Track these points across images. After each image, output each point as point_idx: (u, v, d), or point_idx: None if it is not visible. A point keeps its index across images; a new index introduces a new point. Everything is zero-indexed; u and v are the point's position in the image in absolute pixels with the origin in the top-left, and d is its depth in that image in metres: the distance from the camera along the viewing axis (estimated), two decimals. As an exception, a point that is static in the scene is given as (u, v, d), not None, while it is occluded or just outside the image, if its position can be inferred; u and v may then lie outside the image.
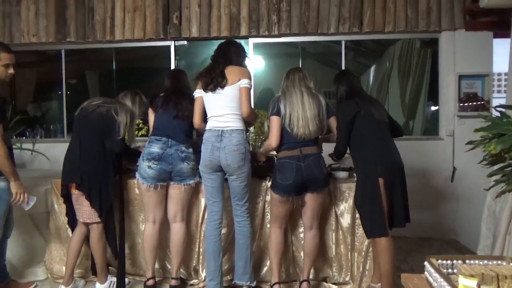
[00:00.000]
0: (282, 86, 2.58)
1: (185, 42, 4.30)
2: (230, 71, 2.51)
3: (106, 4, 4.14)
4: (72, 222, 2.80)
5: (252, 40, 4.23)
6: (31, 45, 4.17)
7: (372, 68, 4.91)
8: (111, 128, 2.65)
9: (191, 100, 2.70)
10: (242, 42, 4.17)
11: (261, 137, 3.31)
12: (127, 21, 4.14)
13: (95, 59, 4.71)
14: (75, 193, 2.65)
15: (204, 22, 4.12)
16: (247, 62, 2.69)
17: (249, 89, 2.50)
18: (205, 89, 2.52)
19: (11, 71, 2.54)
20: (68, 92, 4.38)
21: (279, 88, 2.64)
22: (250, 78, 2.52)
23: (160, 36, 4.13)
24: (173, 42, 4.25)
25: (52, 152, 4.00)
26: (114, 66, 4.43)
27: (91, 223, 2.66)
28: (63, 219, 2.91)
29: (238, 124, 2.49)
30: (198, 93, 2.60)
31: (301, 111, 2.44)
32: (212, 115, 2.53)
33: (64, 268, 2.90)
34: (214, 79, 2.50)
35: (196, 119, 2.60)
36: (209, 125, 2.54)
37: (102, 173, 2.64)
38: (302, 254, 2.73)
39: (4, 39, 4.11)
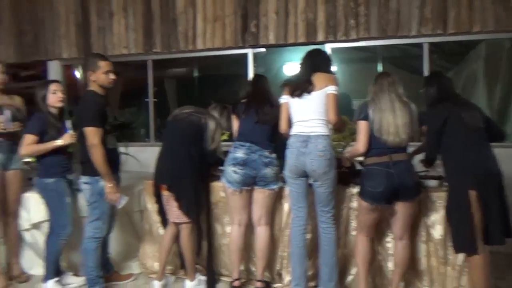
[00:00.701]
0: (371, 92, 2.55)
1: (263, 49, 4.40)
2: (318, 78, 2.54)
3: (188, 16, 4.37)
4: (164, 221, 2.99)
5: (329, 46, 4.23)
6: (122, 56, 4.51)
7: (454, 71, 4.67)
8: (200, 136, 2.80)
9: (272, 104, 2.77)
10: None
11: (342, 142, 3.29)
12: (208, 31, 4.34)
13: (176, 68, 5.00)
14: (165, 194, 2.82)
15: (281, 29, 4.20)
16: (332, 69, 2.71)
17: (336, 95, 2.51)
18: (292, 94, 2.57)
19: (112, 77, 2.78)
20: (155, 100, 4.69)
21: (356, 94, 2.62)
22: (337, 85, 2.53)
23: (239, 44, 4.27)
24: (251, 49, 4.37)
25: (141, 155, 4.29)
26: (195, 74, 4.66)
27: (181, 223, 2.82)
28: (155, 218, 3.12)
29: (324, 130, 2.50)
30: (284, 99, 2.65)
31: (392, 118, 2.39)
32: (298, 119, 2.57)
33: (155, 263, 3.12)
34: (301, 85, 2.55)
35: (283, 125, 2.66)
36: (294, 130, 2.58)
37: (190, 177, 2.79)
38: (389, 264, 2.68)
39: (99, 51, 4.50)
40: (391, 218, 2.53)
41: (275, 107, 2.74)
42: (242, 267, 2.92)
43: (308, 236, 2.75)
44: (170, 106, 6.44)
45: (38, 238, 3.18)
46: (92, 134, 2.60)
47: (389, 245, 2.68)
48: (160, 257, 2.94)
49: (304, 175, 2.55)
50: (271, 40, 4.22)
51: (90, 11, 4.56)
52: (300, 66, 2.65)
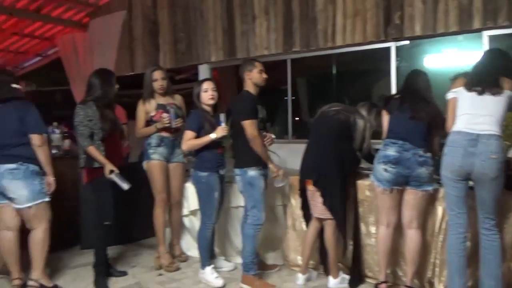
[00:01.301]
0: None
1: (408, 42, 4.15)
2: (502, 80, 2.32)
3: (328, 13, 4.35)
4: (306, 215, 3.06)
5: (486, 33, 3.77)
6: (263, 57, 4.72)
7: None
8: (349, 134, 2.79)
9: (428, 101, 2.60)
10: (473, 36, 3.84)
11: (506, 142, 2.91)
12: (348, 27, 4.26)
13: (314, 65, 5.04)
14: (310, 189, 2.88)
15: (429, 19, 3.88)
16: None
17: None
18: (469, 88, 2.37)
19: (264, 76, 2.97)
20: (294, 98, 4.82)
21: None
22: None
23: (381, 38, 4.10)
24: (393, 43, 4.16)
25: (279, 152, 4.44)
26: (334, 71, 4.63)
27: (325, 219, 2.84)
28: (298, 212, 3.20)
29: (496, 129, 2.25)
30: (453, 93, 2.46)
31: None
32: (465, 114, 2.35)
33: (298, 257, 3.21)
34: (485, 83, 2.33)
35: (449, 123, 2.46)
36: (459, 127, 2.36)
37: (336, 173, 2.80)
38: None
39: (242, 53, 4.82)
40: None
41: (431, 104, 2.57)
42: (388, 270, 2.81)
43: (468, 244, 2.50)
44: (301, 104, 6.56)
45: (195, 223, 3.55)
46: (251, 127, 2.80)
47: None
48: (303, 251, 3.02)
49: (467, 177, 2.33)
50: (417, 31, 3.93)
51: (235, 16, 4.89)
52: (480, 64, 2.46)
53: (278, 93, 5.88)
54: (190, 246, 3.70)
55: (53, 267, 3.44)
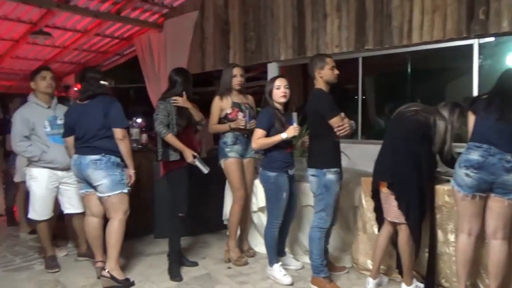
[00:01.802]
0: None
1: (492, 39, 3.86)
2: None
3: (404, 9, 4.18)
4: (379, 218, 2.97)
5: None
6: (333, 55, 4.63)
7: None
8: (427, 136, 2.67)
9: None
10: None
11: None
12: (426, 23, 4.06)
13: (384, 63, 4.87)
14: (384, 191, 2.78)
15: (519, 14, 3.59)
16: None
17: None
18: None
19: (336, 72, 2.92)
20: (364, 97, 4.70)
21: None
22: None
23: (463, 35, 3.85)
24: (477, 40, 3.90)
25: (348, 153, 4.35)
26: (409, 69, 4.45)
27: (399, 223, 2.74)
28: (370, 214, 3.13)
29: None
30: None
31: None
32: None
33: (368, 261, 3.13)
34: None
35: None
36: None
37: (413, 176, 2.68)
38: None
39: (312, 52, 4.78)
40: None
41: None
42: (468, 282, 2.65)
43: None
44: (369, 103, 6.37)
45: (262, 220, 3.60)
46: (340, 123, 2.77)
47: None
48: (374, 255, 2.94)
49: None
50: (505, 27, 3.65)
51: (306, 14, 4.87)
52: None
53: (344, 92, 5.77)
54: (257, 242, 3.76)
55: (128, 254, 3.67)
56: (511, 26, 3.62)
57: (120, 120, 3.07)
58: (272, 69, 5.25)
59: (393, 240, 2.89)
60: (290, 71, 5.77)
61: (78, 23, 5.96)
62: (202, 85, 6.92)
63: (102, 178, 2.99)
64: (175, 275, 3.21)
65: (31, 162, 3.37)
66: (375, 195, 2.92)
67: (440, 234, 2.84)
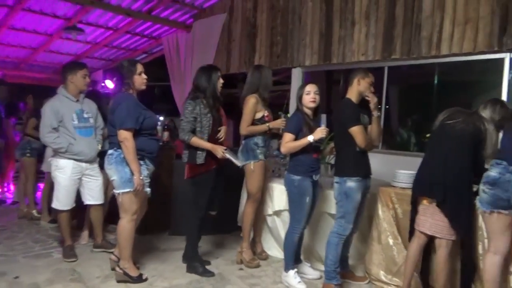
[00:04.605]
0: None
1: (525, 54, 3.75)
2: None
3: (435, 19, 4.11)
4: (412, 231, 2.81)
5: None
6: (359, 63, 4.62)
7: None
8: (478, 144, 2.54)
9: None
10: None
11: None
12: (456, 35, 3.98)
13: (409, 73, 4.79)
14: (425, 203, 2.65)
15: (555, 29, 3.48)
16: None
17: None
18: None
19: (372, 90, 2.96)
20: (387, 106, 4.64)
21: None
22: None
23: (494, 48, 3.76)
24: (508, 54, 3.79)
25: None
26: (436, 81, 4.36)
27: (440, 238, 2.59)
28: (385, 225, 3.08)
29: None
30: None
31: None
32: None
33: (381, 272, 3.08)
34: None
35: None
36: None
37: (467, 194, 2.56)
38: None
39: (338, 59, 4.77)
40: None
41: None
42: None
43: None
44: (391, 113, 6.28)
45: (277, 224, 3.60)
46: (360, 134, 2.76)
47: None
48: (405, 270, 2.80)
49: None
50: (539, 42, 3.55)
51: (333, 21, 4.85)
52: None
53: (367, 100, 5.69)
54: (270, 246, 3.75)
55: (143, 249, 3.73)
56: (546, 41, 3.52)
57: (120, 120, 2.86)
58: (296, 74, 5.25)
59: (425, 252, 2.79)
60: (314, 77, 5.75)
61: (110, 20, 6.13)
62: (226, 87, 6.98)
63: (113, 174, 2.93)
64: (191, 271, 3.26)
65: (57, 153, 3.46)
66: (413, 206, 2.79)
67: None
